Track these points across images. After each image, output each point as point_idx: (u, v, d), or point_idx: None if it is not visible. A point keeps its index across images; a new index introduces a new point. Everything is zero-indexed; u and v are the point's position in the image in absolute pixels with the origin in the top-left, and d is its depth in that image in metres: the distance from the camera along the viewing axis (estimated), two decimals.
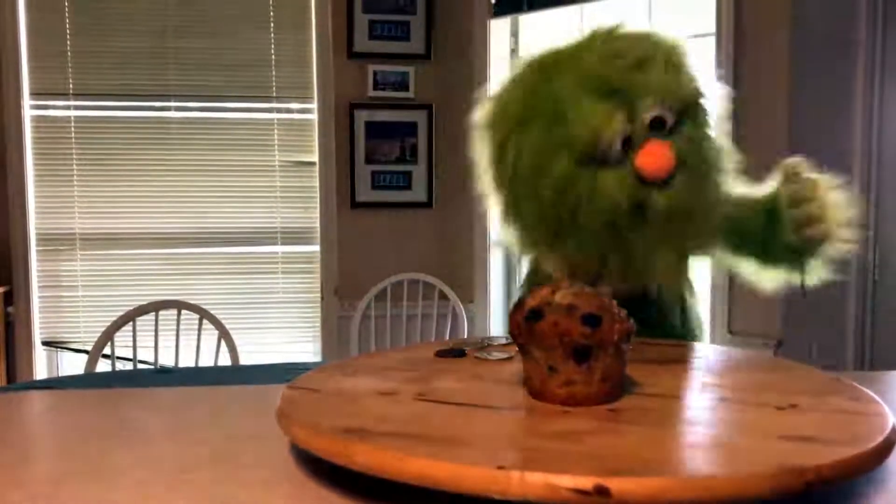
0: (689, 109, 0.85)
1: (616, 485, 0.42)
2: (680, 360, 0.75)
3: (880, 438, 0.49)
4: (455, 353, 0.78)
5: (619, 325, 0.58)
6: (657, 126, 0.83)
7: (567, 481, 0.42)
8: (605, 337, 0.57)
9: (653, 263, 0.85)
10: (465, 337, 3.26)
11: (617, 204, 0.81)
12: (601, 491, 0.41)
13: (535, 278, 0.98)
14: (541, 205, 0.85)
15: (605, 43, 0.86)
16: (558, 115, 0.83)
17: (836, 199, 0.88)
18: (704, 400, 0.60)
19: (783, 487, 0.43)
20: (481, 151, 0.89)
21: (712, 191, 0.87)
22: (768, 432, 0.51)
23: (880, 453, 0.48)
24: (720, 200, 0.88)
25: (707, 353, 0.79)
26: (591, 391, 0.58)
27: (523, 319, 0.59)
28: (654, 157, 0.81)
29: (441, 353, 0.78)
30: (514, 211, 0.89)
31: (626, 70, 0.83)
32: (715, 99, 0.88)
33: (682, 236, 0.86)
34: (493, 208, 0.92)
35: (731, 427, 0.53)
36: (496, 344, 0.84)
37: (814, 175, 0.89)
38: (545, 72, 0.87)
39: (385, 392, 0.64)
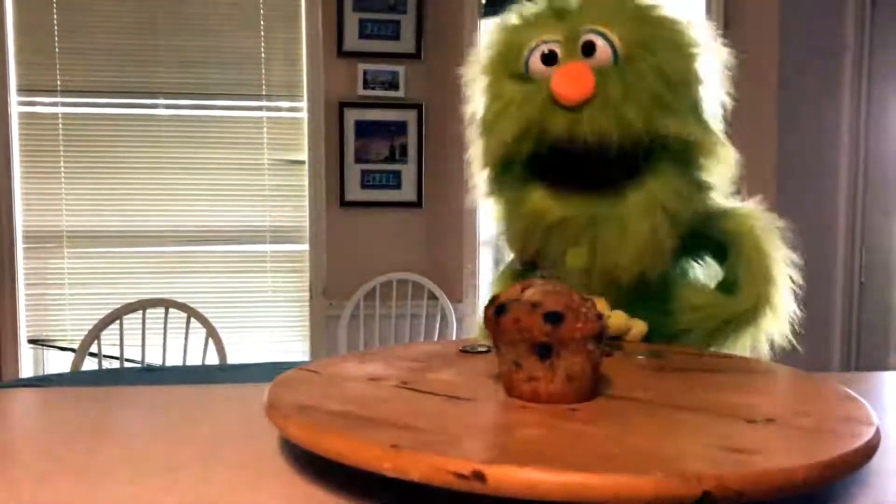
0: (640, 55, 0.79)
1: (493, 471, 0.42)
2: (683, 368, 0.73)
3: (824, 459, 0.46)
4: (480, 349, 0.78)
5: (582, 324, 0.57)
6: (588, 52, 0.79)
7: (449, 464, 0.43)
8: (567, 335, 0.57)
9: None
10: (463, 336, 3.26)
11: (523, 116, 0.79)
12: (478, 476, 0.42)
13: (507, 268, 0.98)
14: (487, 133, 0.86)
15: None
16: (507, 35, 0.86)
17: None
18: (676, 408, 0.58)
19: (672, 494, 0.41)
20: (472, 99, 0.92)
21: (640, 133, 0.77)
22: (714, 442, 0.49)
23: (813, 473, 0.45)
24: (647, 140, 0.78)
25: (718, 362, 0.78)
26: (555, 389, 0.58)
27: (492, 314, 0.60)
28: (566, 76, 0.77)
29: (466, 351, 0.78)
30: (480, 152, 0.89)
31: (578, 2, 0.84)
32: (688, 57, 0.82)
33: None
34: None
35: (677, 434, 0.51)
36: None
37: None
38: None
39: (374, 378, 0.66)
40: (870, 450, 0.49)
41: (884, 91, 2.60)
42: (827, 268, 2.60)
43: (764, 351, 0.85)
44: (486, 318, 0.61)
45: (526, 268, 0.92)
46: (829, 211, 2.61)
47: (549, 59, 0.80)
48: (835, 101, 2.62)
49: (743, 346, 0.85)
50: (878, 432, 0.51)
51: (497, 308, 0.60)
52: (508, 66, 0.84)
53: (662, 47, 0.80)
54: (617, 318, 0.83)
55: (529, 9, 0.87)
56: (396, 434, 0.49)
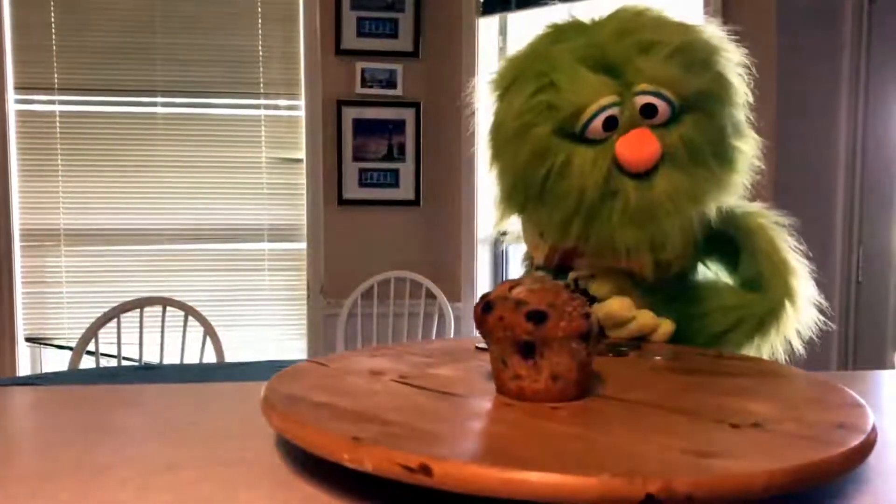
0: (695, 105, 0.78)
1: (438, 466, 0.43)
2: (693, 370, 0.71)
3: (787, 467, 0.44)
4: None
5: (566, 323, 0.57)
6: (648, 114, 0.77)
7: (399, 457, 0.44)
8: (549, 334, 0.56)
9: (620, 245, 0.79)
10: (452, 336, 3.26)
11: (588, 185, 0.77)
12: (424, 469, 0.43)
13: (528, 261, 0.97)
14: (516, 167, 0.82)
15: (622, 20, 0.81)
16: (549, 79, 0.80)
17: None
18: (664, 410, 0.57)
19: (615, 495, 0.41)
20: (483, 108, 0.88)
21: (698, 196, 0.79)
22: (685, 445, 0.47)
23: (773, 480, 0.43)
24: (705, 205, 0.80)
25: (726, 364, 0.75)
26: (540, 388, 0.58)
27: (479, 311, 0.60)
28: (637, 145, 0.76)
29: (479, 348, 0.78)
30: (495, 170, 0.86)
31: (630, 49, 0.78)
32: (740, 102, 0.82)
33: (650, 232, 0.79)
34: (485, 166, 0.89)
35: (651, 436, 0.50)
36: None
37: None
38: (555, 36, 0.84)
39: (376, 372, 0.67)
40: (849, 459, 0.47)
41: (882, 90, 2.60)
42: (824, 267, 2.60)
43: (795, 343, 0.86)
44: (475, 316, 0.62)
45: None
46: (827, 209, 2.62)
47: (610, 123, 0.78)
48: (833, 100, 2.62)
49: (780, 339, 0.85)
50: (865, 441, 0.49)
51: (484, 306, 0.60)
52: (560, 122, 0.79)
53: (706, 103, 0.80)
54: (644, 318, 0.83)
55: (570, 54, 0.81)
56: (366, 427, 0.50)
